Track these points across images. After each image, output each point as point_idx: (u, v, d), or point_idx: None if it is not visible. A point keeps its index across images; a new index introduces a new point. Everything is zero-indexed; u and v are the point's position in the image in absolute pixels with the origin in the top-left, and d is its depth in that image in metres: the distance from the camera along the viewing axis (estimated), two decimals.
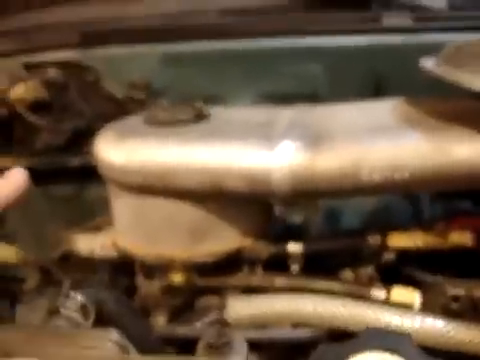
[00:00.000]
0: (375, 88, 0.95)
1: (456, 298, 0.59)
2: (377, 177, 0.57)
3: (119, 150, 0.64)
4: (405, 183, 0.58)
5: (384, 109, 0.66)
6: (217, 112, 0.72)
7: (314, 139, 0.60)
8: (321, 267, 0.71)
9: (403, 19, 0.98)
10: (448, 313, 0.59)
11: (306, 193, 0.60)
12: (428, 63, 0.63)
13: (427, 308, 0.60)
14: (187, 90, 0.96)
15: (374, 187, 0.59)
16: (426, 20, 0.97)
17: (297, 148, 0.59)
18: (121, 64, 1.01)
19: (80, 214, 0.90)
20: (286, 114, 0.67)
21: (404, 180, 0.58)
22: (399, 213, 0.79)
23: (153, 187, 0.64)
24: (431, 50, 0.86)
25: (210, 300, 0.69)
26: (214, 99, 0.96)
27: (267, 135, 0.62)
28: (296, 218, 0.82)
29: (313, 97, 0.97)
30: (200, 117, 0.69)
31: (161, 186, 0.63)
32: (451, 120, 0.59)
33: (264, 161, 0.59)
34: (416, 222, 0.70)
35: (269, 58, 0.98)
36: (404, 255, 0.69)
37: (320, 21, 1.00)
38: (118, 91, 1.00)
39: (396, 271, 0.70)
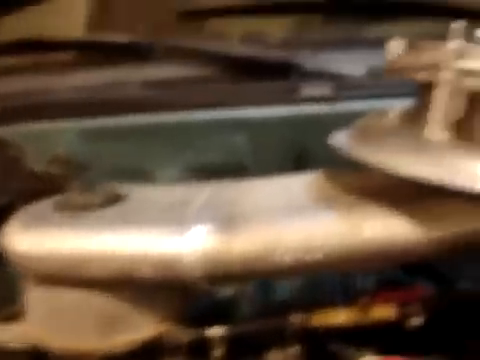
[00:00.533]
0: (297, 158, 0.95)
1: None
2: (289, 259, 0.56)
3: (24, 238, 0.61)
4: (319, 264, 0.57)
5: (301, 184, 0.65)
6: (134, 192, 0.70)
7: (227, 221, 0.58)
8: (248, 347, 0.69)
9: (322, 88, 1.00)
10: None
11: (219, 278, 0.58)
12: (336, 138, 0.63)
13: None
14: (112, 165, 0.94)
15: (288, 269, 0.57)
16: (346, 88, 0.98)
17: (209, 231, 0.57)
18: (44, 139, 0.99)
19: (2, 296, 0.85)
20: (202, 194, 0.66)
21: (317, 261, 0.56)
22: (330, 284, 0.78)
23: (62, 276, 0.61)
24: (351, 119, 0.87)
25: None
26: (140, 173, 0.95)
27: (179, 218, 0.60)
28: (226, 291, 0.80)
29: (238, 168, 0.97)
30: (114, 200, 0.67)
31: (70, 275, 0.60)
32: (366, 196, 0.59)
33: (175, 247, 0.58)
34: (345, 295, 0.68)
35: (193, 130, 0.97)
36: (331, 331, 0.67)
37: (242, 92, 1.00)
38: (41, 167, 0.97)
39: (324, 348, 0.68)
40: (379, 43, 1.22)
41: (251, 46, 1.11)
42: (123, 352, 0.63)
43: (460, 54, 0.54)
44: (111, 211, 0.64)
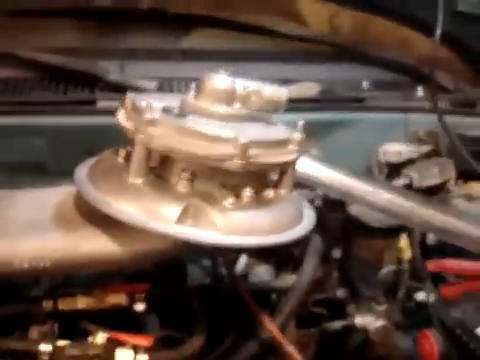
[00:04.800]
0: None
1: (73, 357, 0.80)
2: (27, 265, 0.76)
3: None
4: (49, 270, 0.77)
5: (47, 201, 0.84)
6: None
7: None
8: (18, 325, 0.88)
9: (115, 102, 1.17)
10: None
11: None
12: (79, 170, 0.82)
13: None
14: None
15: (28, 272, 0.77)
16: None
17: None
18: None
19: None
20: None
21: (47, 267, 0.77)
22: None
23: None
24: None
25: None
26: None
27: None
28: None
29: (39, 166, 1.14)
30: None
31: None
32: (89, 217, 0.79)
33: None
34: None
35: (0, 132, 1.13)
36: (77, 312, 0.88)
37: (44, 103, 1.17)
38: None
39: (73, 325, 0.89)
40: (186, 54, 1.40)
41: (62, 54, 1.26)
42: None
43: (151, 123, 0.74)
44: None
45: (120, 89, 1.22)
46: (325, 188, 1.03)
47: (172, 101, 0.82)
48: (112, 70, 1.27)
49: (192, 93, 0.82)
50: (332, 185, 1.02)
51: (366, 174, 1.25)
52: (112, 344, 0.81)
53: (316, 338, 1.21)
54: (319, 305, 1.18)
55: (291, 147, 0.81)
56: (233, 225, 0.74)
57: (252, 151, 0.74)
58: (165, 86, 1.26)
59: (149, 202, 0.74)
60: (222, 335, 1.04)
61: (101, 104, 1.17)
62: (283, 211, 0.80)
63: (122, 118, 0.79)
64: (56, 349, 0.80)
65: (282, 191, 0.82)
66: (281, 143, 0.79)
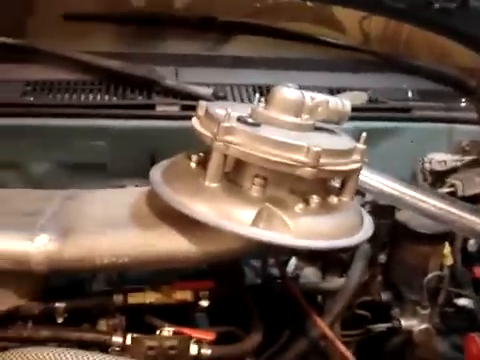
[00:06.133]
0: (151, 161, 1.18)
1: (151, 347, 0.85)
2: (106, 261, 0.81)
3: None
4: (127, 265, 0.82)
5: (123, 200, 0.90)
6: None
7: (64, 232, 0.82)
8: (84, 318, 0.93)
9: (173, 107, 1.24)
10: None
11: (59, 272, 0.83)
12: (154, 171, 0.87)
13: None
14: None
15: (106, 268, 0.82)
16: (192, 109, 1.22)
17: (50, 240, 0.81)
18: None
19: None
20: (51, 204, 0.89)
21: (126, 263, 0.82)
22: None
23: None
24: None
25: None
26: (16, 167, 1.16)
27: (30, 227, 0.83)
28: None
29: (100, 166, 1.20)
30: None
31: None
32: (164, 216, 0.84)
33: (27, 249, 0.81)
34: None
35: (65, 134, 1.19)
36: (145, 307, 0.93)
37: (106, 106, 1.22)
38: None
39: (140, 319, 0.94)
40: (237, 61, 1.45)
41: (121, 59, 1.32)
42: None
43: (228, 131, 0.79)
44: None
45: (177, 94, 1.27)
46: (376, 194, 1.07)
47: (240, 110, 0.87)
48: (167, 76, 1.32)
49: (261, 104, 0.87)
50: (383, 191, 1.05)
51: (411, 181, 1.29)
52: (186, 337, 0.86)
53: (357, 339, 1.24)
54: (363, 307, 1.22)
55: (355, 156, 0.85)
56: (303, 229, 0.78)
57: (322, 159, 0.78)
58: (220, 92, 1.29)
59: (224, 204, 0.79)
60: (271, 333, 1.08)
61: (160, 108, 1.22)
62: (347, 217, 0.85)
63: (197, 125, 0.84)
64: (133, 341, 0.84)
65: (345, 198, 0.87)
66: (347, 152, 0.84)
